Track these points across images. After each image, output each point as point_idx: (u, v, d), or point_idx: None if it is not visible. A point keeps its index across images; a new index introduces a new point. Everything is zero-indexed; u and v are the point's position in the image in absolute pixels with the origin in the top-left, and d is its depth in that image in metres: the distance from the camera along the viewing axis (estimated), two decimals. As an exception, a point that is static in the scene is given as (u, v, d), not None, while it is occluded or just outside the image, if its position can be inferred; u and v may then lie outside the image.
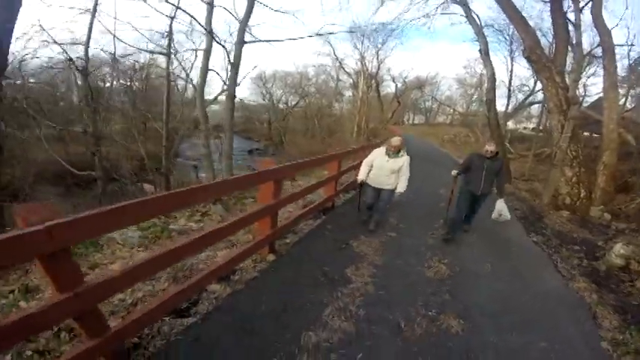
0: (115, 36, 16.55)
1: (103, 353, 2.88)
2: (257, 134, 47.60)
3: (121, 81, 25.57)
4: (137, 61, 21.84)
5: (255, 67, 23.33)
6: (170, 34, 18.27)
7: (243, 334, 3.49)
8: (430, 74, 55.03)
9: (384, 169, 6.34)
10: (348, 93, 47.46)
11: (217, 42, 15.98)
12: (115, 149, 20.97)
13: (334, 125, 38.94)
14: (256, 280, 4.56)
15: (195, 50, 19.65)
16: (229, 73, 15.78)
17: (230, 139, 15.75)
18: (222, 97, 18.59)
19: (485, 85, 21.72)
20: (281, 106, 48.86)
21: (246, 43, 15.61)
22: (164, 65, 20.05)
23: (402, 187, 6.32)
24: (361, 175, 6.59)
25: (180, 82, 24.27)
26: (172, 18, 17.74)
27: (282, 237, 5.85)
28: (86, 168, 17.06)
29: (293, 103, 48.38)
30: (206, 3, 15.34)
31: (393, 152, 6.29)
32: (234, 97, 16.21)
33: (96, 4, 16.93)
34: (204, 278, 3.84)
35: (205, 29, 15.32)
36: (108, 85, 26.23)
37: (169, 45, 18.19)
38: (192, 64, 20.86)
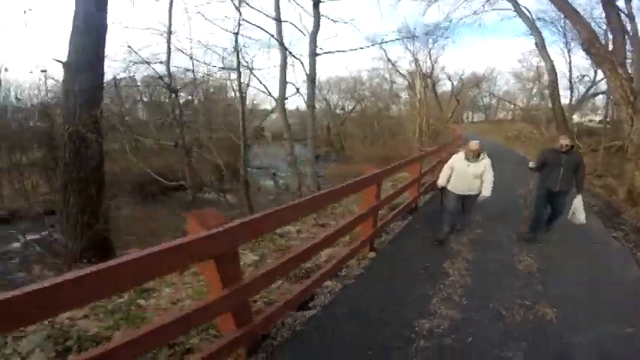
0: (191, 58, 17.66)
1: (245, 343, 3.29)
2: (317, 141, 47.35)
3: (181, 94, 26.96)
4: (208, 74, 23.04)
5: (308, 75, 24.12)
6: (236, 49, 19.24)
7: (360, 323, 3.95)
8: (486, 70, 53.43)
9: (466, 174, 6.26)
10: (404, 95, 47.36)
11: (293, 56, 16.87)
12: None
13: (394, 128, 38.85)
14: (363, 275, 5.10)
15: (249, 66, 20.62)
16: (306, 85, 16.53)
17: (312, 147, 16.46)
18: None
19: (544, 77, 21.37)
20: (338, 111, 49.27)
21: (318, 54, 16.33)
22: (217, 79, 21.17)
23: (487, 191, 6.23)
24: (441, 181, 6.59)
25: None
26: (236, 34, 18.69)
27: (377, 236, 6.29)
28: (168, 179, 18.29)
29: (349, 107, 48.73)
30: (275, 19, 16.13)
31: (473, 156, 6.21)
32: (314, 106, 16.90)
33: (170, 26, 18.18)
34: (322, 277, 4.37)
35: (281, 44, 16.16)
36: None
37: (238, 60, 19.14)
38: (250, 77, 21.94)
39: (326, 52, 17.00)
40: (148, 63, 15.28)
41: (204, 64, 20.10)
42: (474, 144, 6.30)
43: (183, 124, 15.99)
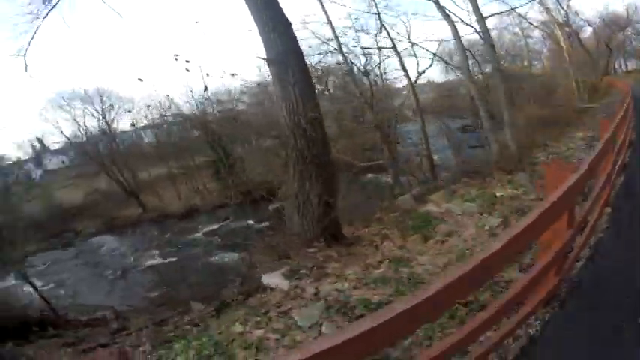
0: (362, 47, 19.68)
1: (550, 294, 3.59)
2: (461, 111, 45.77)
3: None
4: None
5: (442, 41, 23.93)
6: (384, 27, 20.40)
7: (620, 271, 4.20)
8: (628, 7, 46.05)
9: None
10: (544, 49, 44.00)
11: (465, 23, 18.15)
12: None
13: (545, 85, 36.53)
14: (609, 229, 5.43)
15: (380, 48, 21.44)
16: (487, 50, 17.41)
17: (508, 112, 16.28)
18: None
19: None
20: (477, 77, 47.10)
21: (486, 17, 16.26)
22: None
23: None
24: None
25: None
26: (378, 14, 20.35)
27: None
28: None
29: (487, 70, 46.42)
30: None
31: None
32: (500, 70, 17.46)
33: (327, 15, 19.93)
34: (590, 232, 4.77)
35: (445, 14, 16.88)
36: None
37: (391, 38, 20.18)
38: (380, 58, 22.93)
39: (498, 13, 19.89)
40: (340, 51, 16.78)
41: (364, 47, 21.53)
42: None
43: (373, 106, 17.17)
